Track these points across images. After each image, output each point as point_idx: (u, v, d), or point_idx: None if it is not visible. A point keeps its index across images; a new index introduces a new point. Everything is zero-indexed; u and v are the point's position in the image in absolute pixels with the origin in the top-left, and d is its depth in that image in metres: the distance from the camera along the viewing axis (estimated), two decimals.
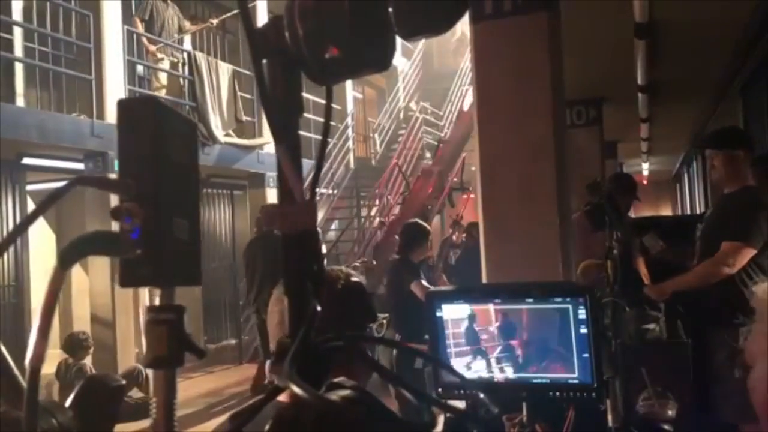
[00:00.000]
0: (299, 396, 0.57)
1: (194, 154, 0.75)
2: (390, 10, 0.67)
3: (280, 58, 0.70)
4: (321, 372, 0.69)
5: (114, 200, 0.68)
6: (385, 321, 5.38)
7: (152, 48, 8.87)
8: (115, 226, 0.67)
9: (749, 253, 3.32)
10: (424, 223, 5.71)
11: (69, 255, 0.62)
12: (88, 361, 6.85)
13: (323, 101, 0.75)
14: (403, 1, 0.67)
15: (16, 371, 0.79)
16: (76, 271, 8.42)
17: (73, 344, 6.57)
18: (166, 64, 9.16)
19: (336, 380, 0.72)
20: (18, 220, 7.62)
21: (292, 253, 0.70)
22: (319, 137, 0.78)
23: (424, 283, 5.06)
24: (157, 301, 0.70)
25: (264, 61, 0.71)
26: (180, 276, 0.70)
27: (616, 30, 5.21)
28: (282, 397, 0.74)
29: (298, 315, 0.68)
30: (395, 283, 5.28)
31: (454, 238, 10.84)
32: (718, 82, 7.34)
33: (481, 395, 0.77)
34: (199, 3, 11.27)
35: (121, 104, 0.68)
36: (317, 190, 0.83)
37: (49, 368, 6.37)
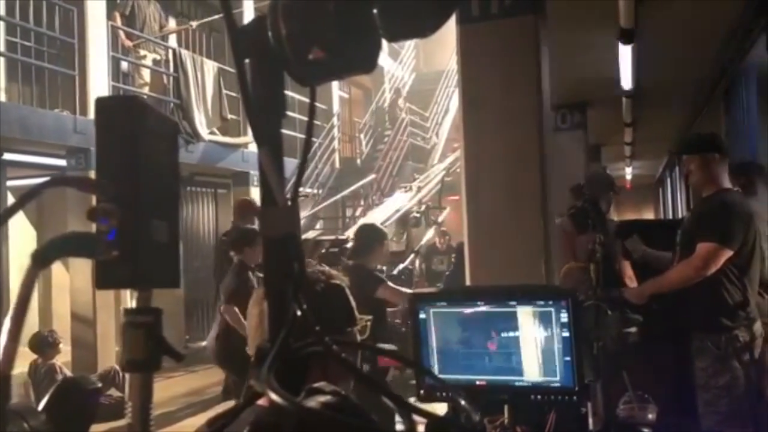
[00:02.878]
0: (277, 402, 0.57)
1: (174, 154, 0.73)
2: (375, 11, 0.66)
3: (263, 59, 0.69)
4: (299, 377, 0.68)
5: None
6: (368, 324, 5.30)
7: (128, 43, 8.78)
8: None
9: (725, 254, 3.33)
10: (380, 226, 5.27)
11: (43, 255, 0.61)
12: (58, 360, 6.73)
13: (308, 99, 0.74)
14: (389, 2, 0.66)
15: None
16: (57, 269, 8.32)
17: (40, 344, 6.40)
18: (149, 61, 9.09)
19: (316, 385, 0.72)
20: None
21: (273, 257, 0.69)
22: (303, 136, 0.77)
23: (390, 284, 4.61)
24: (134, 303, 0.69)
25: (246, 61, 0.70)
26: (158, 278, 0.68)
27: (601, 34, 5.24)
28: (262, 401, 0.73)
29: (277, 319, 0.67)
30: (355, 290, 5.09)
31: (438, 245, 10.81)
32: (701, 87, 7.40)
33: (462, 402, 0.76)
34: (185, 0, 11.20)
35: (100, 103, 0.66)
36: (300, 190, 0.82)
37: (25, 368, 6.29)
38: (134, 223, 0.63)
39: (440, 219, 11.67)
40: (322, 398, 0.64)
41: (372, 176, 13.28)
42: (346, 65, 0.69)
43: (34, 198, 0.63)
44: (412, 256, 8.59)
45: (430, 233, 11.42)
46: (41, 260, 0.60)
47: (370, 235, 4.69)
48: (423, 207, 12.54)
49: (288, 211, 0.70)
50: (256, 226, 6.63)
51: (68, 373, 6.55)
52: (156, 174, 0.68)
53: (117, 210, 0.63)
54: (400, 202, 12.45)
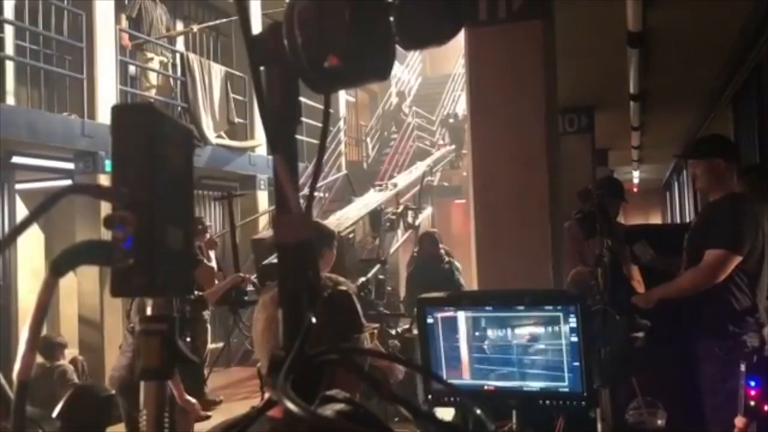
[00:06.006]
0: (293, 411, 0.56)
1: (189, 161, 0.73)
2: (391, 19, 0.66)
3: (278, 66, 0.69)
4: (315, 385, 0.67)
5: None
6: (375, 331, 4.87)
7: (127, 43, 8.79)
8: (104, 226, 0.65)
9: (735, 260, 3.31)
10: (327, 225, 4.61)
11: (61, 263, 0.61)
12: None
13: (316, 104, 0.74)
14: (405, 11, 0.66)
15: (2, 380, 0.77)
16: None
17: (47, 347, 6.37)
18: (155, 64, 9.11)
19: (330, 393, 0.71)
20: (7, 218, 7.55)
21: (288, 263, 0.69)
22: (313, 140, 0.76)
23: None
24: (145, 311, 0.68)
25: (262, 68, 0.70)
26: (173, 286, 0.68)
27: (609, 38, 5.23)
28: (273, 412, 0.72)
29: (292, 327, 0.67)
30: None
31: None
32: (709, 92, 7.38)
33: (478, 411, 0.75)
34: (192, 3, 11.24)
35: (116, 110, 0.66)
36: (315, 194, 0.82)
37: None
38: (150, 230, 0.63)
39: (417, 222, 10.69)
40: (337, 407, 0.63)
41: (343, 172, 12.81)
42: (361, 73, 0.69)
43: (52, 207, 0.63)
44: (378, 267, 6.91)
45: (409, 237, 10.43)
46: (59, 269, 0.60)
47: (317, 238, 3.64)
48: (401, 208, 10.67)
49: (302, 218, 0.70)
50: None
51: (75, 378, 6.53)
52: (172, 181, 0.68)
53: (133, 217, 0.63)
54: (371, 201, 10.94)
